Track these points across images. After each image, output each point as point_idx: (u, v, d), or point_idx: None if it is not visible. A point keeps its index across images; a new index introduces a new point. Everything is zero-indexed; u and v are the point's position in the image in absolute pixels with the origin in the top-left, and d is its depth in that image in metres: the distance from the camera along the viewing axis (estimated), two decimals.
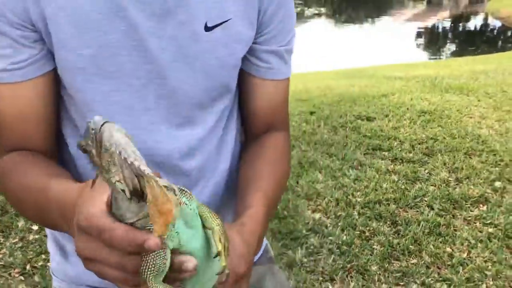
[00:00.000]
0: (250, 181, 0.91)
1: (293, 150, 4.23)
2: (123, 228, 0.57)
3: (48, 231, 1.07)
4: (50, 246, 1.06)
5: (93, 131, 0.54)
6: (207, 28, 0.84)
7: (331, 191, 3.55)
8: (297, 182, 3.66)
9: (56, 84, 0.87)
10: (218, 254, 0.63)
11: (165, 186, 0.55)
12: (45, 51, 0.83)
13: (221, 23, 0.85)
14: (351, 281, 2.64)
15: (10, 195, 0.87)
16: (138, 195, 0.56)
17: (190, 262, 0.60)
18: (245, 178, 0.93)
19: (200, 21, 0.83)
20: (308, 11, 18.83)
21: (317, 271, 2.70)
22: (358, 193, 3.54)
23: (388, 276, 2.68)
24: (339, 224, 3.14)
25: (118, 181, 0.55)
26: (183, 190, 0.62)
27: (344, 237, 3.01)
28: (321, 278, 2.64)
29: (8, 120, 0.86)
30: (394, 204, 3.39)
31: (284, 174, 0.99)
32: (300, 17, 18.04)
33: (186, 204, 0.60)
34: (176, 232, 0.59)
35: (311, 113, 5.16)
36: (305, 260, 2.78)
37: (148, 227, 0.57)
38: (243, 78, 0.97)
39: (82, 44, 0.80)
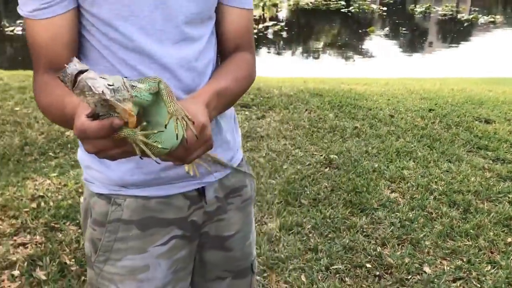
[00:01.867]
0: (211, 78, 1.16)
1: (397, 141, 4.50)
2: (95, 122, 0.80)
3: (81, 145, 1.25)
4: (88, 160, 1.22)
5: (70, 75, 0.75)
6: None
7: (417, 177, 3.79)
8: (387, 167, 3.96)
9: (78, 18, 1.09)
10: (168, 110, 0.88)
11: (119, 87, 0.78)
12: None
13: None
14: (401, 248, 2.93)
15: (42, 108, 1.09)
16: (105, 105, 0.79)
17: (115, 120, 0.80)
18: (209, 79, 1.16)
19: None
20: (483, 19, 17.89)
21: (372, 236, 3.03)
22: (442, 182, 3.73)
23: (437, 251, 2.91)
24: (411, 204, 3.41)
25: (89, 103, 0.77)
26: (134, 86, 0.84)
27: (410, 214, 3.27)
28: (373, 242, 2.97)
29: (43, 45, 1.07)
30: (473, 195, 3.53)
31: (244, 76, 1.20)
32: (475, 24, 17.29)
33: (136, 96, 0.83)
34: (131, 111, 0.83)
35: (430, 110, 5.31)
36: (365, 226, 3.13)
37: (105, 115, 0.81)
38: (216, 7, 1.20)
39: None
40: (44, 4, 1.03)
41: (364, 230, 3.10)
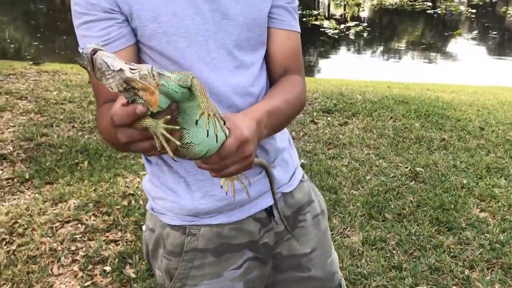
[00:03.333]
0: (262, 99, 1.15)
1: (487, 156, 4.30)
2: (121, 108, 0.78)
3: (155, 177, 1.24)
4: (159, 191, 1.23)
5: (86, 56, 0.74)
6: None
7: (509, 197, 3.60)
8: (477, 183, 3.80)
9: (137, 52, 1.11)
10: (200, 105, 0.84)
11: (145, 75, 0.77)
12: (129, 29, 1.07)
13: None
14: (491, 273, 2.80)
15: (101, 134, 1.13)
16: (129, 88, 0.77)
17: (139, 107, 0.77)
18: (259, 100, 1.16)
19: None
20: None
21: (460, 258, 2.92)
22: None
23: None
24: (502, 225, 3.25)
25: (111, 87, 0.75)
26: (161, 74, 0.81)
27: (501, 236, 3.12)
28: (460, 264, 2.86)
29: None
30: None
31: (295, 96, 1.18)
32: None
33: (163, 85, 0.80)
34: (160, 107, 0.81)
35: None
36: (452, 246, 3.02)
37: (135, 101, 0.79)
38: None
39: (160, 14, 1.05)
40: (104, 42, 1.05)
41: (451, 250, 2.99)
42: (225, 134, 0.90)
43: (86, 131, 4.77)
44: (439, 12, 19.37)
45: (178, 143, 0.82)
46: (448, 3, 20.43)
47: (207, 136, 0.86)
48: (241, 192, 1.18)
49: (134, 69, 0.76)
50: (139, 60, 1.12)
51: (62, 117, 5.09)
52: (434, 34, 16.49)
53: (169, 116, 0.81)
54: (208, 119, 0.84)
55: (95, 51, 0.74)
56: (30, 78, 6.73)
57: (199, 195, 1.18)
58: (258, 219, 1.25)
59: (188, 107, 0.85)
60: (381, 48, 14.29)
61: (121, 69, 0.74)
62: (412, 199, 3.54)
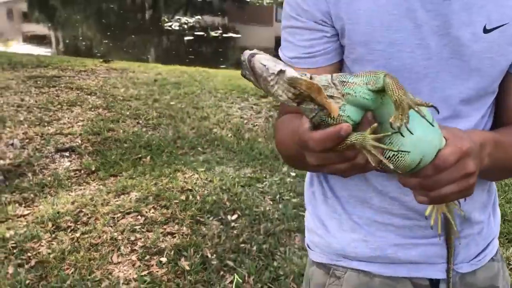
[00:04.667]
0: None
1: None
2: (318, 133, 0.68)
3: (310, 204, 1.13)
4: (311, 221, 1.12)
5: (244, 63, 0.66)
6: (486, 30, 0.89)
7: None
8: None
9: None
10: (395, 104, 0.66)
11: (324, 86, 0.67)
12: (336, 45, 0.94)
13: (499, 26, 0.89)
14: None
15: (277, 146, 1.04)
16: (303, 98, 0.66)
17: (343, 127, 0.66)
18: None
19: (480, 23, 0.88)
20: None
21: None
22: None
23: None
24: None
25: (279, 95, 0.65)
26: (344, 82, 0.69)
27: None
28: None
29: None
30: None
31: None
32: None
33: (349, 94, 0.68)
34: (348, 116, 0.68)
35: None
36: None
37: (324, 120, 0.68)
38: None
39: (375, 40, 0.89)
40: (306, 54, 0.95)
41: (510, 262, 2.89)
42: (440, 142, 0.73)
43: (150, 127, 4.95)
44: None
45: (394, 149, 0.69)
46: None
47: (432, 143, 0.71)
48: (406, 249, 1.01)
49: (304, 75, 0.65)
50: None
51: (128, 113, 5.30)
52: None
53: (376, 124, 0.68)
54: (408, 112, 0.67)
55: (253, 55, 0.65)
56: (100, 75, 7.04)
57: (352, 237, 1.04)
58: (418, 285, 1.04)
59: (385, 112, 0.71)
60: None
61: (281, 70, 0.64)
62: None
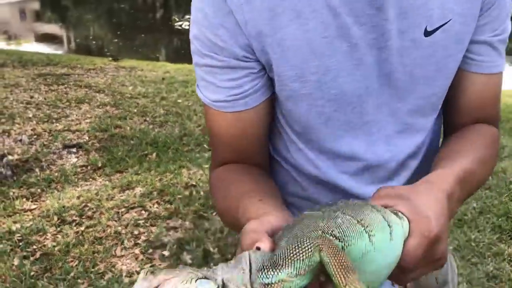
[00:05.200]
0: (445, 157, 0.83)
1: None
2: None
3: None
4: None
5: None
6: (427, 33, 0.79)
7: None
8: None
9: (272, 105, 0.88)
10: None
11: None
12: (265, 79, 0.83)
13: (441, 26, 0.80)
14: None
15: (218, 211, 0.92)
16: None
17: None
18: (439, 157, 0.84)
19: (420, 27, 0.79)
20: None
21: None
22: None
23: None
24: None
25: None
26: (267, 284, 0.53)
27: None
28: None
29: (227, 140, 0.88)
30: None
31: (486, 157, 0.86)
32: None
33: None
34: None
35: None
36: None
37: None
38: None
39: (307, 71, 0.78)
40: (233, 97, 0.83)
41: None
42: (401, 221, 0.64)
43: (157, 124, 4.99)
44: None
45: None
46: None
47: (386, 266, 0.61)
48: None
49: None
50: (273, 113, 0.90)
51: (135, 110, 5.34)
52: None
53: None
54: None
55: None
56: (109, 73, 7.11)
57: None
58: None
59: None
60: None
61: None
62: (475, 205, 3.44)
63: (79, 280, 2.63)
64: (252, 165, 0.90)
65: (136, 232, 3.05)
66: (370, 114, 0.84)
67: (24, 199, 3.47)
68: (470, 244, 3.00)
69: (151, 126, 4.92)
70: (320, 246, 0.53)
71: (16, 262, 2.76)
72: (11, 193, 3.54)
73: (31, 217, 3.23)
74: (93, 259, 2.78)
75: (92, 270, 2.70)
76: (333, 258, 0.52)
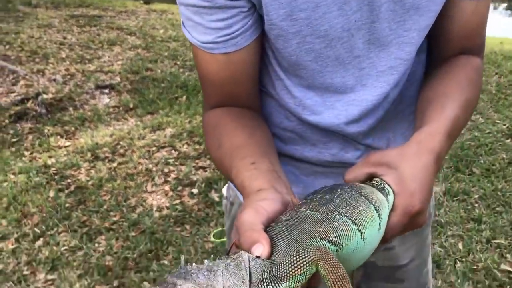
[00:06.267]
0: (433, 100, 0.83)
1: None
2: (247, 236, 0.60)
3: None
4: None
5: None
6: None
7: None
8: None
9: (262, 43, 0.86)
10: None
11: None
12: (255, 17, 0.81)
13: None
14: None
15: (209, 152, 0.91)
16: None
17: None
18: (428, 99, 0.85)
19: None
20: None
21: None
22: None
23: None
24: None
25: None
26: None
27: None
28: None
29: (218, 82, 0.86)
30: None
31: (471, 99, 0.86)
32: None
33: None
34: None
35: None
36: None
37: None
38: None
39: (297, 8, 0.77)
40: (223, 37, 0.80)
41: None
42: (387, 197, 0.68)
43: (187, 68, 5.01)
44: None
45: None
46: None
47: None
48: None
49: None
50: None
51: (166, 54, 5.37)
52: None
53: None
54: None
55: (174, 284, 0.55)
56: (140, 16, 7.11)
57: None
58: None
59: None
60: (504, 3, 13.28)
61: None
62: (504, 156, 3.41)
63: (111, 213, 2.74)
64: (245, 109, 0.89)
65: (166, 170, 3.13)
66: (360, 49, 0.83)
67: (59, 137, 3.59)
68: (496, 193, 3.00)
69: (181, 70, 4.95)
70: (318, 260, 0.56)
71: (51, 194, 2.89)
72: (46, 130, 3.65)
73: (65, 152, 3.34)
74: (125, 194, 2.89)
75: (124, 204, 2.81)
76: (330, 272, 0.56)
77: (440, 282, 2.29)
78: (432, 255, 2.48)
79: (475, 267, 2.39)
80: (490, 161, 3.35)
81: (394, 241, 1.00)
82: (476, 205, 2.91)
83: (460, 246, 2.55)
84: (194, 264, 0.57)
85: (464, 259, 2.45)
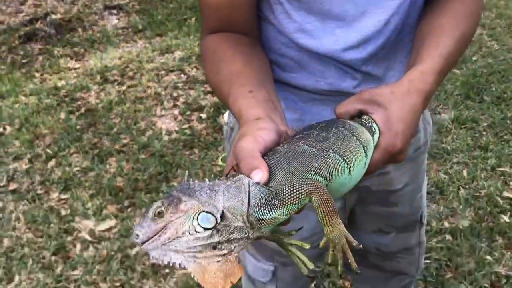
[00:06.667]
0: (428, 35, 0.85)
1: None
2: (246, 160, 0.65)
3: None
4: None
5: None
6: None
7: None
8: None
9: None
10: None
11: (239, 227, 0.62)
12: None
13: None
14: None
15: (207, 77, 0.94)
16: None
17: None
18: (423, 33, 0.87)
19: None
20: None
21: None
22: None
23: None
24: None
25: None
26: (261, 220, 0.63)
27: None
28: None
29: (215, 5, 0.88)
30: None
31: (467, 32, 0.88)
32: None
33: (268, 227, 0.64)
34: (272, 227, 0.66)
35: None
36: None
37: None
38: None
39: None
40: None
41: None
42: (373, 136, 0.74)
43: None
44: None
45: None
46: None
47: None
48: None
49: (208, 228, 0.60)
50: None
51: None
52: None
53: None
54: (333, 250, 0.65)
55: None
56: None
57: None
58: None
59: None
60: None
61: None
62: None
63: (121, 136, 2.79)
64: (243, 35, 0.90)
65: (175, 94, 3.15)
66: None
67: (68, 58, 3.58)
68: (505, 122, 2.99)
69: None
70: (312, 192, 0.62)
71: (62, 116, 2.93)
72: (56, 52, 3.65)
73: (75, 74, 3.35)
74: (135, 117, 2.92)
75: (134, 127, 2.85)
76: (322, 204, 0.62)
77: (442, 208, 2.34)
78: (436, 181, 2.53)
79: (478, 194, 2.43)
80: (502, 89, 3.31)
81: (389, 166, 1.05)
82: (484, 133, 2.91)
83: (464, 173, 2.58)
84: (196, 180, 0.62)
85: (467, 186, 2.49)
